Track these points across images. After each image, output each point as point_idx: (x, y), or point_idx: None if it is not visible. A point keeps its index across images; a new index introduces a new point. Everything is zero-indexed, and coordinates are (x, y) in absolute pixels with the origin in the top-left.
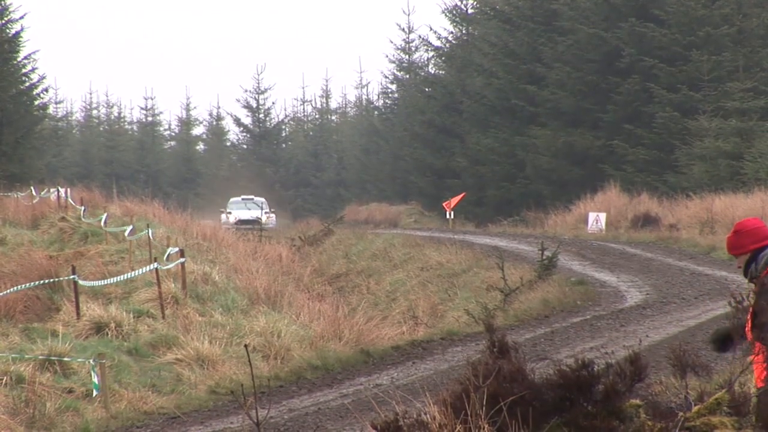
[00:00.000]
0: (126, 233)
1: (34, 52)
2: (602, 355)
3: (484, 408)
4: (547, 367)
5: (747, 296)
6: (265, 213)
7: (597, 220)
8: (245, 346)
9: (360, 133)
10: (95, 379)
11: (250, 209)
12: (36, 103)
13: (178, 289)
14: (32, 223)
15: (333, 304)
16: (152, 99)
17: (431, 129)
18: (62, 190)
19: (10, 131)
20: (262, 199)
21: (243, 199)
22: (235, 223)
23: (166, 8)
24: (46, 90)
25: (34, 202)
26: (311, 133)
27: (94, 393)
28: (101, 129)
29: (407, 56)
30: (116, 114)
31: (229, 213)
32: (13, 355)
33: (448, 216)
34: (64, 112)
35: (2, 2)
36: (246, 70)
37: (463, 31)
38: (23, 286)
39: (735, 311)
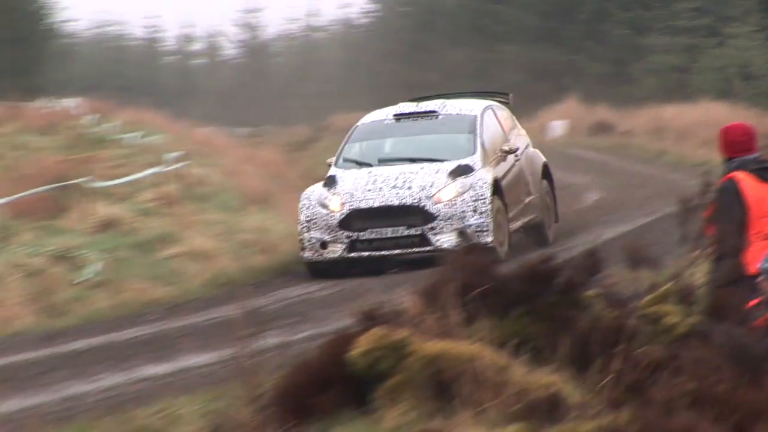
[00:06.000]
0: (132, 138)
1: None
2: (563, 249)
3: (456, 298)
4: (512, 262)
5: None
6: None
7: (559, 127)
8: (239, 242)
9: (343, 49)
10: (95, 268)
11: None
12: (47, 21)
13: (179, 190)
14: (47, 131)
15: None
16: (156, 17)
17: (407, 45)
18: (74, 101)
19: (24, 48)
20: None
21: None
22: None
23: None
24: (57, 8)
25: (49, 111)
26: (298, 49)
27: (90, 278)
28: (109, 45)
29: None
30: (123, 31)
31: None
32: (29, 250)
33: None
34: (75, 29)
35: None
36: None
37: None
38: (41, 188)
39: (683, 211)
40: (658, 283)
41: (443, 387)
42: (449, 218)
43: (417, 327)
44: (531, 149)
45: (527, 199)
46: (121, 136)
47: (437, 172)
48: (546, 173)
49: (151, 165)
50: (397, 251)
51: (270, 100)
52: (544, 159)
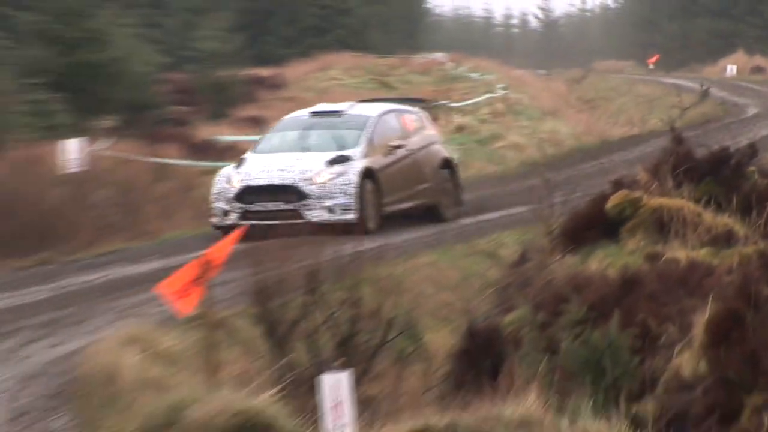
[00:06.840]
0: (475, 77)
1: None
2: (734, 143)
3: (669, 172)
4: (704, 150)
5: None
6: None
7: (731, 69)
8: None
9: (601, 22)
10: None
11: None
12: (424, 5)
13: (503, 108)
14: (424, 72)
15: (587, 115)
16: (489, 3)
17: (640, 18)
18: (441, 54)
19: (409, 21)
20: None
21: None
22: None
23: None
24: None
25: (425, 61)
26: (575, 23)
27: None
28: (461, 21)
29: None
30: (470, 12)
31: None
32: None
33: (650, 67)
34: (441, 11)
35: None
36: None
37: None
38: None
39: None
40: None
41: (662, 226)
42: (319, 197)
43: (646, 189)
44: (436, 146)
45: (421, 186)
46: (468, 75)
47: (319, 160)
48: (448, 166)
49: (486, 92)
50: (277, 222)
51: (557, 53)
52: (446, 154)
